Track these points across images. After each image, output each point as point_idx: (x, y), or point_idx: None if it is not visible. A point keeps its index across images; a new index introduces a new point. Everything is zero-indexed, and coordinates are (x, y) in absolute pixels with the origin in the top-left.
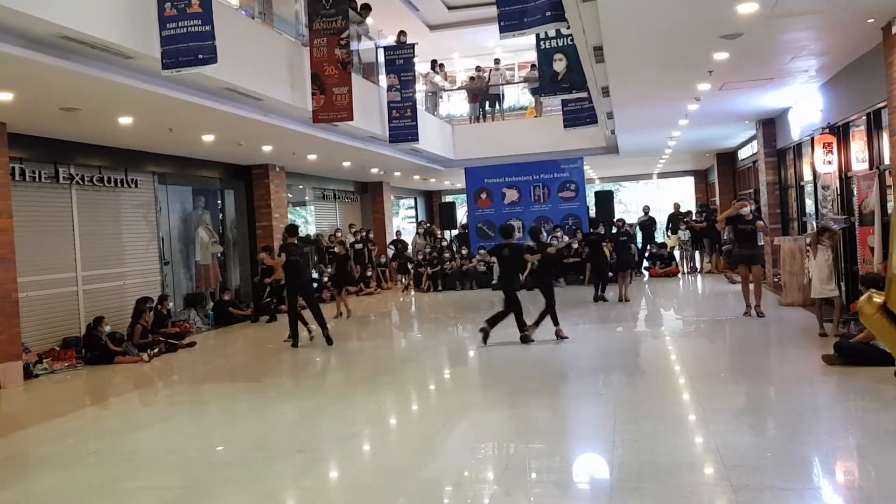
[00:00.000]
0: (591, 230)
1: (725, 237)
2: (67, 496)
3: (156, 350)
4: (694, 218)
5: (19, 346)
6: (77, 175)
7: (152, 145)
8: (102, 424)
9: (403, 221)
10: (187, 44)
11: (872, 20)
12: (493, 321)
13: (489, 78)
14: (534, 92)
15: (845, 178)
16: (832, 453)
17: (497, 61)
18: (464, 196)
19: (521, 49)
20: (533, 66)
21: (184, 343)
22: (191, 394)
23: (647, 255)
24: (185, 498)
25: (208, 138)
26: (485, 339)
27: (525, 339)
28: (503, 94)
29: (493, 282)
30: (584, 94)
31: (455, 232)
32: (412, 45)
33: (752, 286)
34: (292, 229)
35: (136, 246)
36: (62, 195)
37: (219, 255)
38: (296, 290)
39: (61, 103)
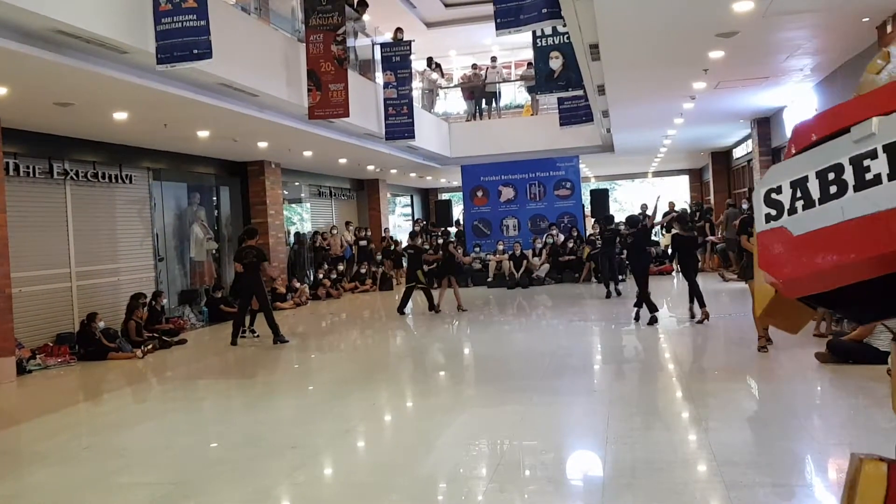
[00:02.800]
0: (607, 226)
1: (718, 236)
2: (60, 491)
3: (149, 346)
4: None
5: (12, 342)
6: (71, 170)
7: (147, 141)
8: (95, 420)
9: (399, 219)
10: (182, 38)
11: (867, 19)
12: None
13: (486, 76)
14: (530, 90)
15: None
16: (825, 451)
17: (494, 59)
18: (460, 194)
19: (517, 47)
20: (529, 63)
21: (174, 340)
22: (184, 390)
23: None
24: (177, 493)
25: (203, 134)
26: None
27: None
28: (500, 92)
29: (489, 279)
30: (580, 92)
31: (453, 230)
32: (409, 42)
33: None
34: (251, 232)
35: (130, 242)
36: (56, 190)
37: (213, 251)
38: (248, 290)
39: (56, 98)
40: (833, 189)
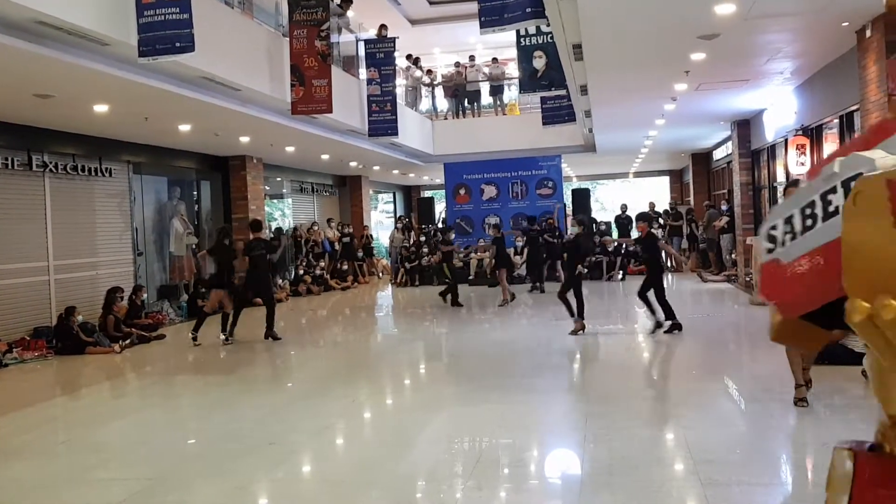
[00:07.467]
0: (531, 227)
1: (701, 236)
2: (36, 486)
3: (128, 341)
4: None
5: None
6: (50, 163)
7: (128, 134)
8: (72, 415)
9: (381, 215)
10: (165, 31)
11: (847, 24)
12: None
13: (465, 75)
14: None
15: None
16: (800, 450)
17: (472, 58)
18: (442, 191)
19: (502, 46)
20: (494, 58)
21: (153, 335)
22: (162, 386)
23: (622, 252)
24: (154, 489)
25: (185, 128)
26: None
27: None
28: (482, 90)
29: (470, 277)
30: (562, 92)
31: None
32: (393, 39)
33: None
34: (256, 225)
35: (109, 236)
36: (35, 183)
37: (193, 246)
38: (257, 284)
39: (35, 90)
40: (809, 222)
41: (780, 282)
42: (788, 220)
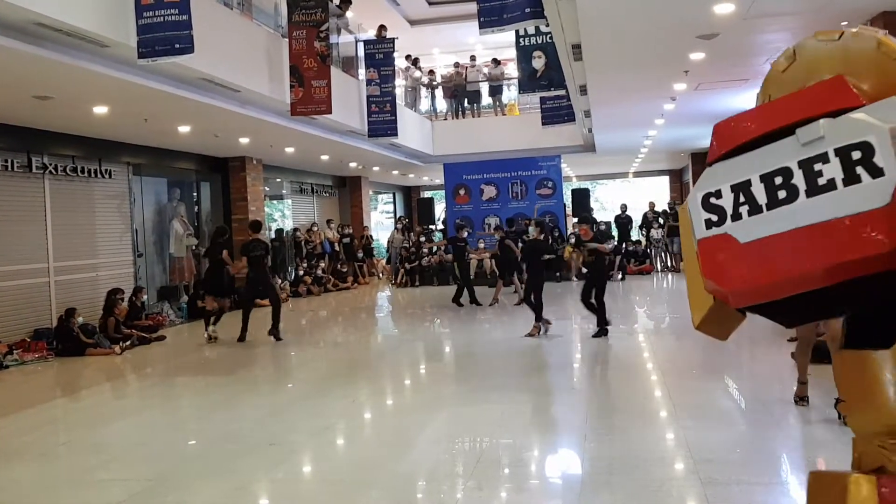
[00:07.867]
0: (510, 228)
1: None
2: (37, 487)
3: (128, 343)
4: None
5: None
6: (50, 165)
7: (127, 135)
8: (73, 416)
9: (381, 216)
10: (164, 33)
11: (846, 23)
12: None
13: (466, 75)
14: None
15: None
16: (800, 449)
17: (473, 58)
18: (442, 192)
19: (501, 46)
20: (495, 59)
21: (153, 336)
22: (163, 387)
23: (622, 252)
24: (155, 490)
25: (184, 129)
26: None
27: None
28: (482, 91)
29: (470, 277)
30: (562, 92)
31: (440, 226)
32: (392, 40)
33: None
34: (256, 225)
35: (109, 237)
36: (35, 185)
37: (193, 247)
38: (257, 284)
39: (35, 91)
40: (782, 194)
41: (735, 264)
42: (742, 189)
